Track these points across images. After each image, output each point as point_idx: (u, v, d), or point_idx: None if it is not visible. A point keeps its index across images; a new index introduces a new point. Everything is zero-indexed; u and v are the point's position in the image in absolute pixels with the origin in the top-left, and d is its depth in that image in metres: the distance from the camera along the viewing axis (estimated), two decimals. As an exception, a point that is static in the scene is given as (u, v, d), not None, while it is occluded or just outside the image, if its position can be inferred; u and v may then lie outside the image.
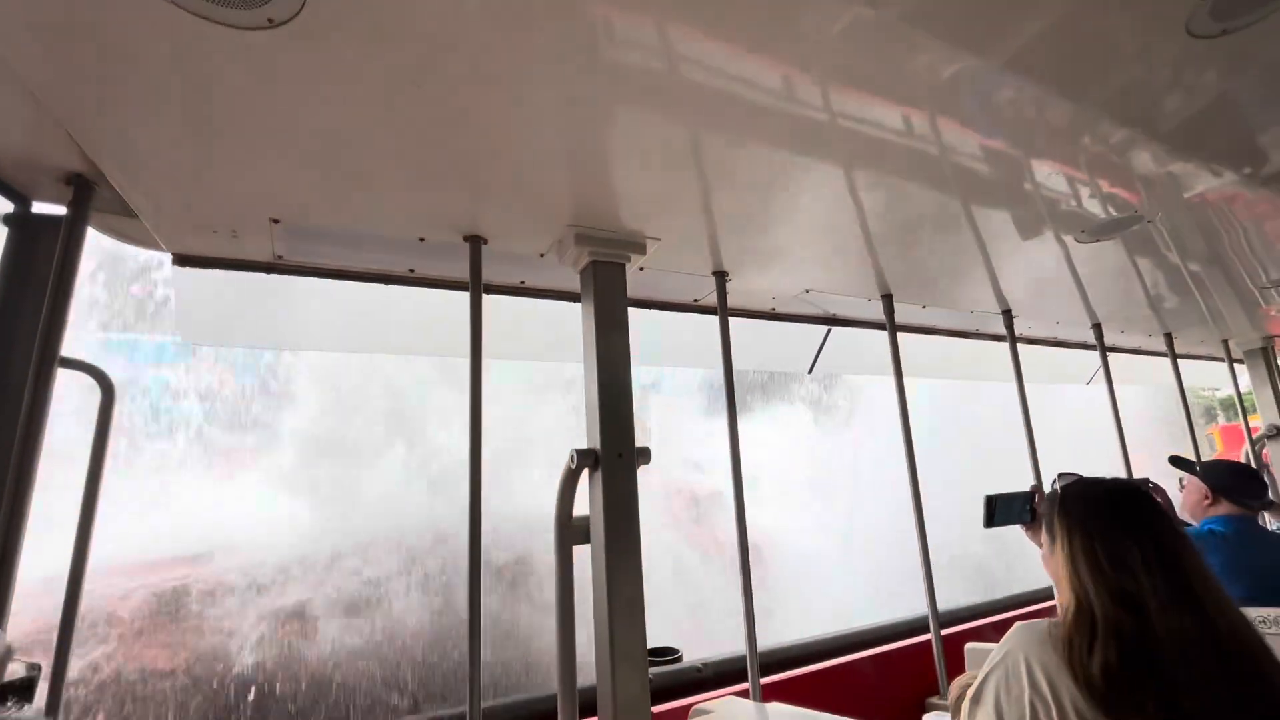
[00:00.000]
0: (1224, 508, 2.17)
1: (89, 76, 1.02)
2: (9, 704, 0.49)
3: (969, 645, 2.17)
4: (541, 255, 1.85)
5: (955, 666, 2.29)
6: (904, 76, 1.17)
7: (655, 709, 1.90)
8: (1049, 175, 1.64)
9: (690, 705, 1.82)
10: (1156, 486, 2.51)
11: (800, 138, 1.37)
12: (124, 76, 1.02)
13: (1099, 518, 1.16)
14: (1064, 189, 1.74)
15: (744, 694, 1.89)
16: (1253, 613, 1.66)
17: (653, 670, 2.51)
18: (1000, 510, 1.53)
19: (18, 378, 1.19)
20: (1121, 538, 1.11)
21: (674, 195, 1.60)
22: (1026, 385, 2.94)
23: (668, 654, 2.69)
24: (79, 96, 1.07)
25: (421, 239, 1.69)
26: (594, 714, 1.68)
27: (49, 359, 1.21)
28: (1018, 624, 1.19)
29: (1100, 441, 3.23)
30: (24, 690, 0.50)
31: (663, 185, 1.55)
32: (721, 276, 2.12)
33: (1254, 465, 3.89)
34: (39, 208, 1.37)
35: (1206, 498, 2.22)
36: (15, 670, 0.50)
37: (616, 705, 1.57)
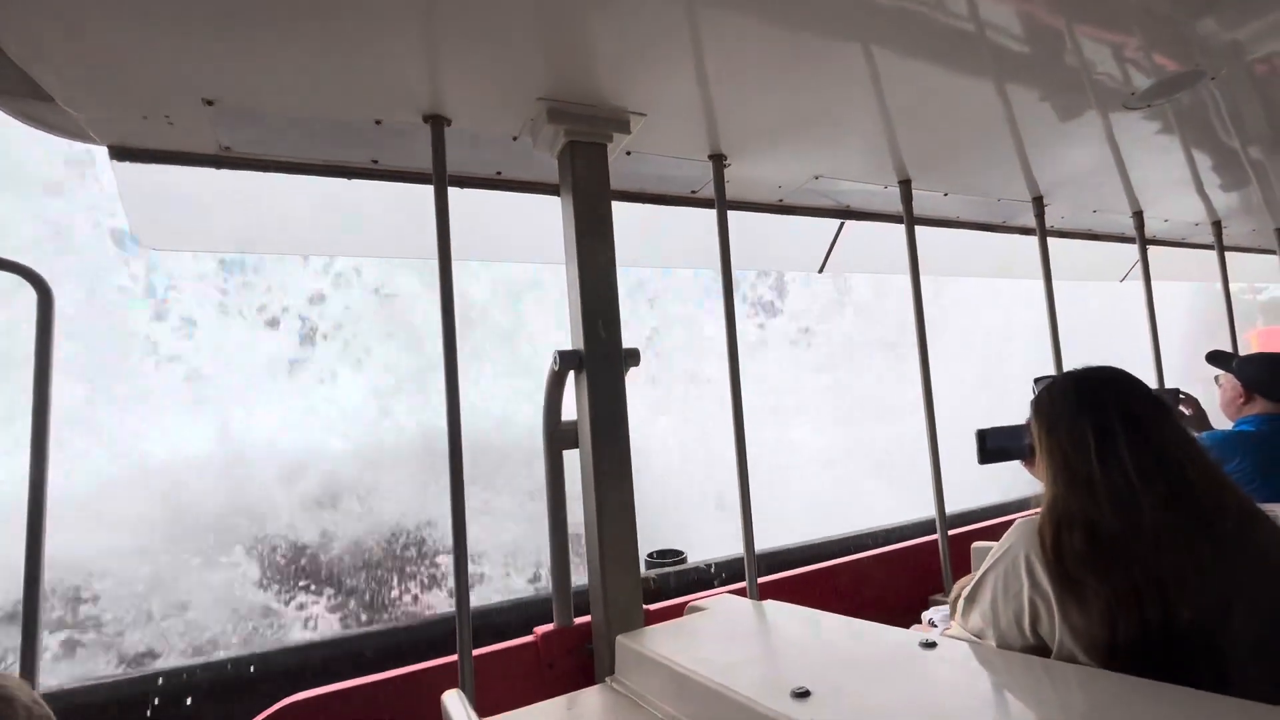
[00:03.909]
0: (1259, 405, 2.03)
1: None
2: None
3: (975, 544, 2.13)
4: (515, 139, 1.67)
5: (960, 565, 2.26)
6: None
7: (655, 607, 1.91)
8: (1096, 31, 1.40)
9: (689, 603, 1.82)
10: (1188, 397, 2.36)
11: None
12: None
13: (1063, 408, 1.10)
14: (1111, 48, 1.49)
15: (741, 593, 1.88)
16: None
17: (656, 571, 2.53)
18: (993, 444, 1.42)
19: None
20: (1081, 420, 1.06)
21: (662, 60, 1.39)
22: (1055, 282, 2.75)
23: (672, 555, 2.72)
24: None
25: (378, 121, 1.52)
26: (589, 613, 1.68)
27: (-32, 258, 1.11)
28: (1019, 520, 1.13)
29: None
30: None
31: (648, 47, 1.34)
32: (719, 160, 1.92)
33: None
34: (-62, 90, 1.23)
35: (1240, 395, 2.07)
36: None
37: (608, 604, 1.56)
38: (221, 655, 2.32)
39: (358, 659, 2.15)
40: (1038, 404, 1.15)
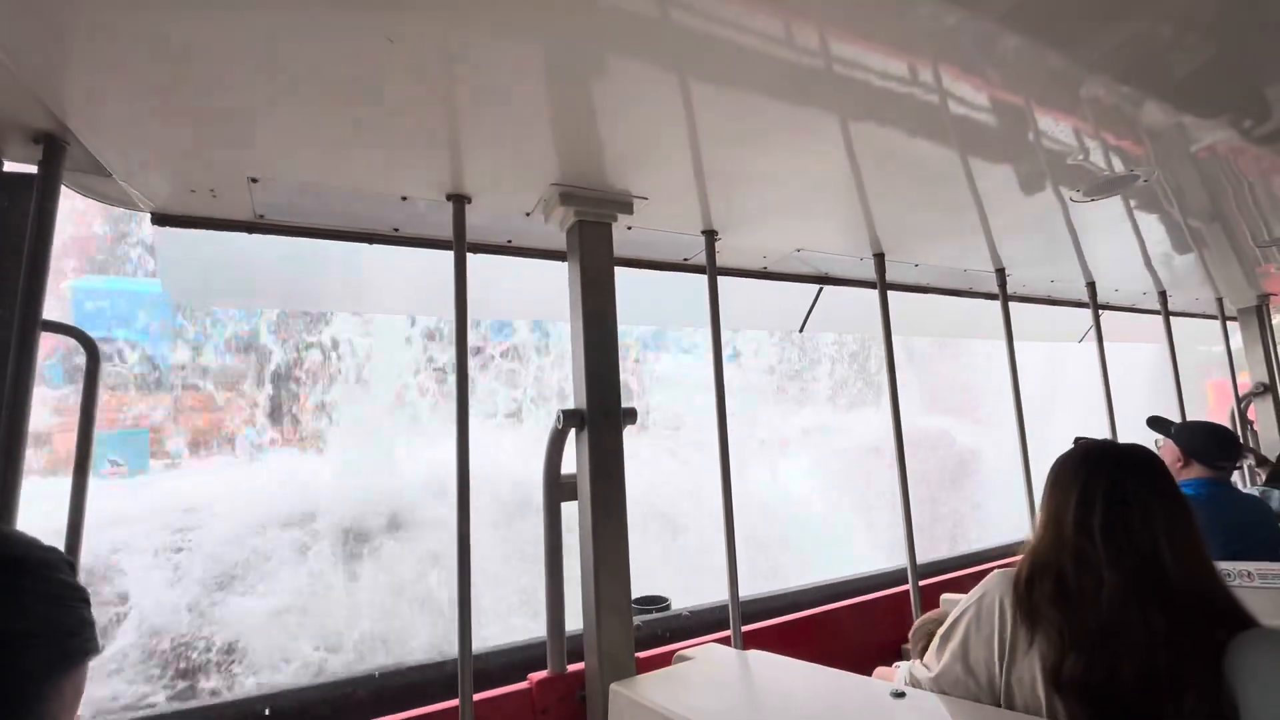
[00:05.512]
0: (1196, 470, 2.17)
1: (49, 33, 0.98)
2: None
3: (944, 595, 2.26)
4: (527, 215, 1.83)
5: (931, 615, 2.38)
6: (905, 22, 1.10)
7: (642, 654, 1.99)
8: (1051, 128, 1.58)
9: (675, 651, 1.90)
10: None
11: (795, 87, 1.29)
12: (86, 33, 0.98)
13: (1068, 471, 1.21)
14: (1067, 142, 1.67)
15: (726, 641, 1.98)
16: (1224, 566, 1.72)
17: (641, 619, 2.61)
18: None
19: (1, 343, 1.19)
20: (1074, 486, 1.17)
21: (662, 151, 1.57)
22: (1018, 343, 2.96)
23: (656, 602, 2.79)
24: (41, 54, 1.03)
25: (404, 198, 1.67)
26: (582, 659, 1.76)
27: (31, 323, 1.21)
28: (996, 570, 1.24)
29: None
30: None
31: (650, 141, 1.51)
32: (710, 236, 2.09)
33: (1238, 422, 3.94)
34: (10, 167, 1.34)
35: (1179, 460, 2.23)
36: None
37: (602, 651, 1.65)
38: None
39: (347, 701, 2.17)
40: (1057, 462, 1.25)
